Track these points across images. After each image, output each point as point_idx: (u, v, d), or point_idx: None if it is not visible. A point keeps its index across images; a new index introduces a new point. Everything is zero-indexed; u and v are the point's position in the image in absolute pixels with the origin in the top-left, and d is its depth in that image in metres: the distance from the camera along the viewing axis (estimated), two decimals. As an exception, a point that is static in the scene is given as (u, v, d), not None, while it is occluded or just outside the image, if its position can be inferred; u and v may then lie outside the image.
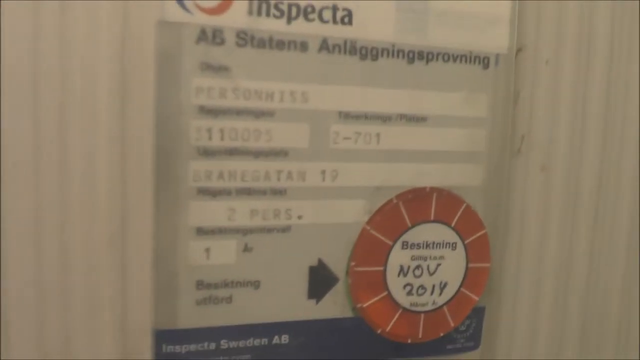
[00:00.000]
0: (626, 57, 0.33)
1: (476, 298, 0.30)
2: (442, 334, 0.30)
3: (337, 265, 0.28)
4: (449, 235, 0.29)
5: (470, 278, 0.30)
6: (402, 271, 0.29)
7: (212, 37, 0.25)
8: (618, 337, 0.35)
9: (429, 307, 0.30)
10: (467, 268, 0.30)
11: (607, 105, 0.32)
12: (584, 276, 0.34)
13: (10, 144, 0.23)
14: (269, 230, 0.26)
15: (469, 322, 0.31)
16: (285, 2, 0.25)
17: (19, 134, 0.23)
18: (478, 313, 0.31)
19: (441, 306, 0.30)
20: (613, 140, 0.33)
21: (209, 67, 0.25)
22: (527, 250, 0.32)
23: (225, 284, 0.26)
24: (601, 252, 0.34)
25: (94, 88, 0.24)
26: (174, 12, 0.24)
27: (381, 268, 0.28)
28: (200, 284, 0.26)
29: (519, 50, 0.30)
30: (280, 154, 0.26)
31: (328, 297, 0.28)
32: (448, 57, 0.28)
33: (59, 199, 0.24)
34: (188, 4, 0.24)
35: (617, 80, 0.33)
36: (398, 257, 0.29)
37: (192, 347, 0.26)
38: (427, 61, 0.28)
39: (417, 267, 0.29)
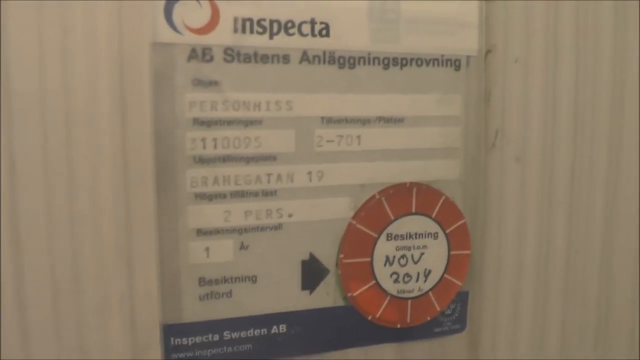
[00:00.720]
0: (592, 52, 0.34)
1: (459, 283, 0.32)
2: (429, 318, 0.32)
3: (327, 258, 0.29)
4: (431, 226, 0.31)
5: (453, 265, 0.32)
6: (388, 261, 0.30)
7: (201, 55, 0.26)
8: (599, 315, 0.36)
9: (415, 294, 0.31)
10: (449, 255, 0.31)
11: (576, 97, 0.34)
12: (562, 259, 0.35)
13: (22, 159, 0.25)
14: (262, 228, 0.28)
15: (454, 306, 0.32)
16: (267, 19, 0.27)
17: (30, 150, 0.25)
18: (462, 297, 0.32)
19: (427, 292, 0.31)
20: (584, 129, 0.34)
21: (200, 83, 0.26)
22: (507, 236, 0.33)
23: (225, 280, 0.28)
24: (578, 234, 0.35)
25: (96, 106, 0.25)
26: (166, 34, 0.25)
27: (368, 259, 0.30)
28: (202, 281, 0.27)
29: (488, 51, 0.31)
30: (269, 158, 0.28)
31: (320, 288, 0.29)
32: (421, 61, 0.30)
33: (68, 208, 0.25)
34: (178, 25, 0.25)
35: (585, 73, 0.34)
36: (383, 248, 0.30)
37: (198, 339, 0.28)
38: (402, 66, 0.29)
39: (402, 256, 0.31)
